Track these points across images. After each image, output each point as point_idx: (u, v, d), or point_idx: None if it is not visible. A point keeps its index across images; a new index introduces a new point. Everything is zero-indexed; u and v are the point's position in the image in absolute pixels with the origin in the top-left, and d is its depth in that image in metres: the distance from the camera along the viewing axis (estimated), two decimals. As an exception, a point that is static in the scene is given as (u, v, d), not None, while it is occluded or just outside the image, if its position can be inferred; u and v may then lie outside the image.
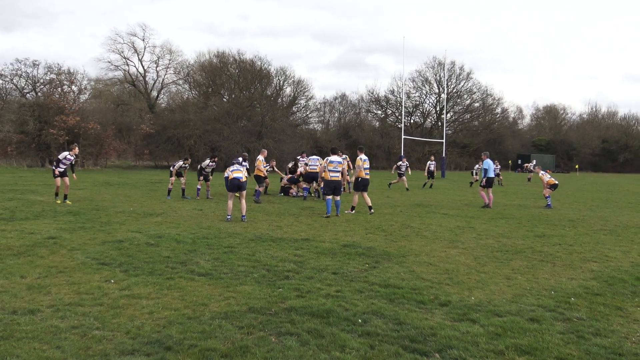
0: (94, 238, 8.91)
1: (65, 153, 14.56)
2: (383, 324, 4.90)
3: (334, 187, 12.95)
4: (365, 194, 13.62)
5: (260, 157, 16.64)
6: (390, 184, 24.38)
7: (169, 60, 54.79)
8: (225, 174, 11.92)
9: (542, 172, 17.01)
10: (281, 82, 52.49)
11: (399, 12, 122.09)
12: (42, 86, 45.59)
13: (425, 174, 25.91)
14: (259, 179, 16.35)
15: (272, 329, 4.68)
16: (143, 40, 53.43)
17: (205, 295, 5.66)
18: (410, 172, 26.61)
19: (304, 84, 54.33)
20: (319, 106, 60.54)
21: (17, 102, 42.50)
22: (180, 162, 16.70)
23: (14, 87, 53.53)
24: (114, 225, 10.46)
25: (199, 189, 16.69)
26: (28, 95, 46.84)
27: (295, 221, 11.81)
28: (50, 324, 4.63)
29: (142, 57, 53.96)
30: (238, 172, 11.78)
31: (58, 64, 55.33)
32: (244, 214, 11.69)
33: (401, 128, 40.07)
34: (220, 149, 39.09)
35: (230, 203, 11.67)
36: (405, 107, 42.06)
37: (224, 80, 49.24)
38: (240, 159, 14.33)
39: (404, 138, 38.37)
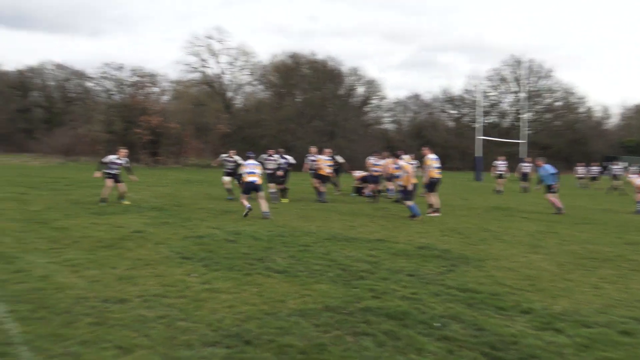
0: (177, 233, 9.31)
1: (112, 157, 14.02)
2: (461, 328, 4.78)
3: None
4: (431, 195, 13.43)
5: (324, 157, 16.60)
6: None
7: (244, 61, 56.26)
8: (241, 171, 12.04)
9: (633, 175, 16.00)
10: (353, 82, 52.51)
11: (473, 9, 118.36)
12: (127, 88, 48.19)
13: (517, 175, 24.25)
14: (323, 179, 16.32)
15: (348, 328, 4.69)
16: (219, 42, 55.19)
17: (282, 292, 5.77)
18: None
19: (376, 83, 54.08)
20: (391, 106, 60.11)
21: (105, 103, 45.28)
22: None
23: (102, 89, 56.92)
24: (194, 221, 10.88)
25: (272, 192, 15.62)
26: (115, 96, 49.70)
27: (369, 221, 11.79)
28: (139, 313, 4.89)
29: (219, 59, 55.74)
30: (253, 175, 11.96)
31: (141, 67, 58.18)
32: (266, 210, 11.70)
33: (477, 128, 38.87)
34: (294, 149, 39.65)
35: (244, 202, 11.84)
36: (481, 106, 40.76)
37: (297, 80, 49.89)
38: (265, 155, 14.22)
39: (480, 138, 37.23)
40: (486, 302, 5.58)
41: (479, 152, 36.59)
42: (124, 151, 14.29)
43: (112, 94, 50.28)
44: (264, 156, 16.15)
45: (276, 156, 16.26)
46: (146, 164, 38.22)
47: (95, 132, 38.81)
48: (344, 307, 5.28)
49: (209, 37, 55.52)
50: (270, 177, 15.72)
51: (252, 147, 41.33)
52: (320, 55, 55.69)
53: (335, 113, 45.60)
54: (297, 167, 18.83)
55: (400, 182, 13.14)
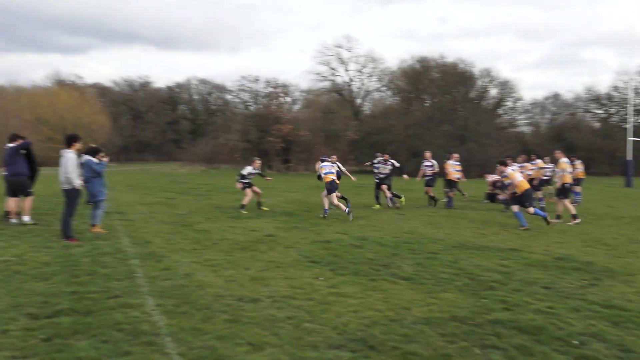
0: (306, 237, 9.63)
1: (249, 168, 14.35)
2: (604, 348, 4.37)
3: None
4: (567, 201, 12.57)
5: (452, 161, 16.05)
6: None
7: (373, 68, 56.68)
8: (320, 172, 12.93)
9: None
10: (485, 84, 50.42)
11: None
12: (262, 99, 50.97)
13: None
14: (451, 184, 15.81)
15: (476, 340, 4.52)
16: (348, 51, 56.19)
17: (407, 299, 5.71)
18: None
19: (510, 84, 51.36)
20: (527, 107, 56.71)
21: (242, 114, 48.30)
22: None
23: (239, 100, 60.68)
24: (322, 226, 11.18)
25: (390, 198, 15.26)
26: (250, 107, 52.83)
27: (501, 229, 11.23)
28: (269, 313, 5.14)
29: (348, 67, 56.76)
30: (332, 174, 12.76)
31: (275, 78, 61.18)
32: (327, 207, 12.82)
33: (628, 129, 35.22)
34: (422, 154, 39.09)
35: (326, 202, 12.65)
36: (632, 104, 36.86)
37: (426, 84, 49.15)
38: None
39: (632, 140, 33.67)
40: (635, 321, 5.04)
41: (629, 155, 33.13)
42: (258, 162, 15.07)
43: (248, 105, 53.50)
44: (380, 160, 15.91)
45: (392, 161, 16.00)
46: (278, 171, 40.07)
47: (233, 141, 41.53)
48: (472, 318, 5.09)
49: (339, 46, 56.86)
50: (382, 181, 15.47)
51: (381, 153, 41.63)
52: (450, 57, 54.30)
53: (466, 117, 44.16)
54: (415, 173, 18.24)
55: (512, 190, 12.18)
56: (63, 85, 68.43)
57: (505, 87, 51.14)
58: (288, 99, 45.82)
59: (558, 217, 12.64)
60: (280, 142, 39.75)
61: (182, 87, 79.42)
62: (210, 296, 5.66)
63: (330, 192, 12.59)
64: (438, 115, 44.25)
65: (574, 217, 12.31)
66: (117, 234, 9.64)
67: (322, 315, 5.10)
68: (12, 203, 10.78)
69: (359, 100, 58.58)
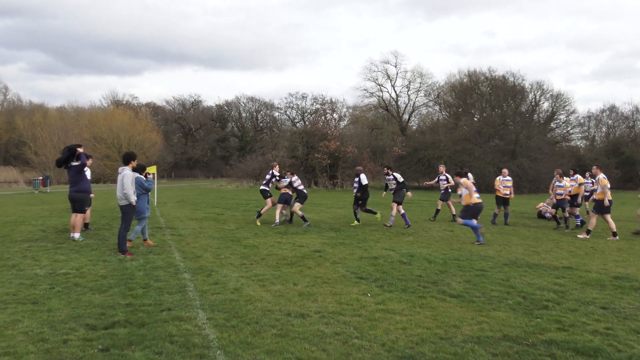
0: (353, 253, 9.62)
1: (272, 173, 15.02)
2: (668, 373, 4.16)
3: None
4: (607, 217, 12.35)
5: (501, 177, 15.66)
6: None
7: (420, 83, 56.41)
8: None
9: None
10: (537, 97, 49.25)
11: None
12: (309, 115, 51.47)
13: None
14: (499, 200, 15.37)
15: (529, 361, 4.39)
16: (395, 66, 56.18)
17: (457, 317, 5.61)
18: None
19: (563, 97, 49.96)
20: (581, 121, 54.92)
21: (289, 131, 48.91)
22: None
23: (287, 117, 61.41)
24: (369, 242, 11.14)
25: (402, 214, 14.38)
26: (298, 124, 53.43)
27: (554, 246, 10.89)
28: (317, 328, 5.16)
29: (395, 82, 56.73)
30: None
31: (322, 95, 61.76)
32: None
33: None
34: (471, 169, 38.40)
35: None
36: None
37: (475, 99, 48.48)
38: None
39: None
40: (702, 345, 4.78)
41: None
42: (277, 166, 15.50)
43: (295, 122, 54.11)
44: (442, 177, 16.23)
45: (446, 175, 16.15)
46: (325, 187, 40.20)
47: (280, 157, 42.06)
48: (525, 338, 4.95)
49: (386, 62, 56.96)
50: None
51: (428, 169, 41.21)
52: (500, 71, 53.40)
53: (516, 131, 43.16)
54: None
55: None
56: (119, 105, 71.40)
57: (558, 100, 49.82)
58: (335, 116, 46.05)
59: (588, 232, 12.50)
60: (327, 159, 39.95)
61: (231, 105, 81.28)
62: (259, 311, 5.73)
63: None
64: (487, 130, 43.46)
65: (588, 232, 12.42)
66: (169, 248, 9.92)
67: (370, 332, 5.08)
68: (80, 217, 11.06)
69: (405, 116, 58.32)
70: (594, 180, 14.90)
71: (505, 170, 15.99)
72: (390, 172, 14.79)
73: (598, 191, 12.58)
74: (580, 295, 6.63)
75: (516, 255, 9.75)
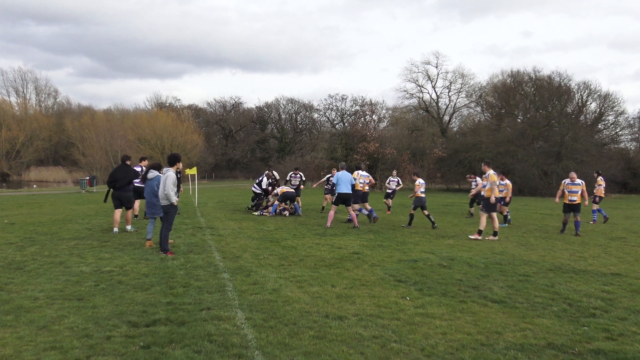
0: (391, 256, 9.52)
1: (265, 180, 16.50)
2: None
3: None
4: (494, 215, 12.36)
5: (566, 181, 15.03)
6: None
7: (461, 84, 55.56)
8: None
9: None
10: (584, 98, 47.65)
11: None
12: (349, 117, 51.42)
13: None
14: (566, 207, 14.77)
15: (575, 371, 4.23)
16: (436, 67, 55.50)
17: (499, 323, 5.47)
18: None
19: (612, 97, 48.16)
20: (631, 122, 52.85)
21: (328, 132, 48.97)
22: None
23: (326, 119, 61.47)
24: (408, 245, 11.01)
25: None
26: (337, 125, 53.46)
27: (602, 252, 10.50)
28: (355, 331, 5.12)
29: (435, 83, 56.07)
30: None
31: (362, 97, 61.56)
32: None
33: None
34: (514, 171, 37.53)
35: None
36: None
37: (518, 100, 47.36)
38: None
39: None
40: None
41: None
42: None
43: (335, 123, 54.15)
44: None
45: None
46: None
47: (319, 159, 42.15)
48: (571, 347, 4.77)
49: (426, 62, 56.33)
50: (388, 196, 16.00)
51: (469, 171, 40.50)
52: (544, 71, 52.00)
53: (562, 133, 41.92)
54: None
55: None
56: (162, 107, 73.09)
57: (606, 100, 48.08)
58: (375, 117, 45.81)
59: (479, 232, 12.28)
60: (366, 160, 39.80)
61: (271, 107, 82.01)
62: (297, 312, 5.73)
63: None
64: (531, 131, 42.36)
65: (480, 232, 12.22)
66: (209, 248, 10.05)
67: (409, 336, 5.00)
68: (130, 212, 12.49)
69: (446, 117, 57.52)
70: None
71: (572, 174, 14.26)
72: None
73: (486, 188, 12.33)
74: (630, 304, 6.36)
75: (561, 260, 9.44)
